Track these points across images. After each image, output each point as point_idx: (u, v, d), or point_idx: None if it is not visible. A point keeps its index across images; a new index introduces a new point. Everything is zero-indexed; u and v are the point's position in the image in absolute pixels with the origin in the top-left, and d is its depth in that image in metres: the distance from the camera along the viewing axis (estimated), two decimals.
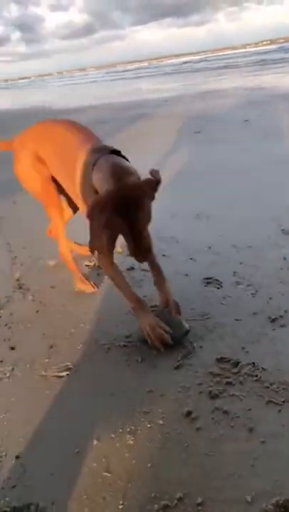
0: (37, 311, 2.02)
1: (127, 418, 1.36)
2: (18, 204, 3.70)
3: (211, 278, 2.11)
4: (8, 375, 1.62)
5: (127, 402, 1.43)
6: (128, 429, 1.32)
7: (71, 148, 1.80)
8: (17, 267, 2.49)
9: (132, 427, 1.33)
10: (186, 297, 1.97)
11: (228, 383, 1.45)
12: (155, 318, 1.69)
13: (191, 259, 2.34)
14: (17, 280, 2.32)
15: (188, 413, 1.35)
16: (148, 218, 1.50)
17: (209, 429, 1.29)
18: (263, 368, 1.50)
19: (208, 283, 2.08)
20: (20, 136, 2.18)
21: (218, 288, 2.03)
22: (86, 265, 2.38)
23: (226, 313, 1.83)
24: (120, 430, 1.32)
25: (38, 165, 2.02)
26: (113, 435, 1.31)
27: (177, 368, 1.55)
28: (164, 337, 1.64)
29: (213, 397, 1.41)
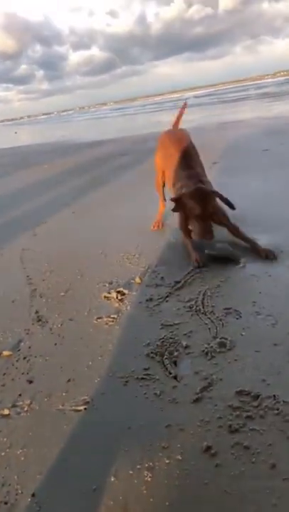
0: (55, 344, 2.02)
1: (145, 453, 1.34)
2: (39, 236, 3.78)
3: (230, 308, 2.08)
4: (26, 408, 1.61)
5: (145, 437, 1.40)
6: (146, 465, 1.29)
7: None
8: (36, 299, 2.51)
9: (150, 463, 1.30)
10: (205, 328, 1.95)
11: (249, 417, 1.41)
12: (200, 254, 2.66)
13: (210, 289, 2.32)
14: (36, 312, 2.34)
15: (208, 448, 1.32)
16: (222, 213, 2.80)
17: (229, 465, 1.25)
18: (284, 401, 1.45)
19: (227, 313, 2.05)
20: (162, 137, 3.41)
21: (237, 318, 2.00)
22: (105, 297, 2.39)
23: (245, 345, 1.80)
24: (138, 466, 1.29)
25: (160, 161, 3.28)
26: (131, 471, 1.28)
27: (196, 401, 1.52)
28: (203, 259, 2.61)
29: (233, 431, 1.37)
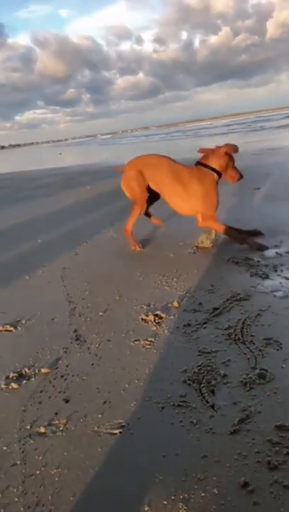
0: (92, 364, 2.03)
1: (180, 484, 1.31)
2: (80, 256, 3.85)
3: (270, 338, 2.04)
4: (61, 428, 1.62)
5: (180, 466, 1.38)
6: (181, 497, 1.26)
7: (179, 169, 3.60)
8: (75, 318, 2.55)
9: (185, 495, 1.27)
10: (244, 358, 1.91)
11: None
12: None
13: (249, 317, 2.28)
14: (74, 331, 2.37)
15: (245, 484, 1.28)
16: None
17: (268, 504, 1.21)
18: None
19: (267, 343, 2.01)
20: (128, 164, 3.81)
21: (277, 350, 1.95)
22: (142, 319, 2.40)
23: (286, 377, 1.75)
24: (172, 497, 1.27)
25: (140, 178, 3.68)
26: (165, 502, 1.25)
27: (234, 433, 1.48)
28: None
29: (272, 468, 1.33)
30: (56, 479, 1.39)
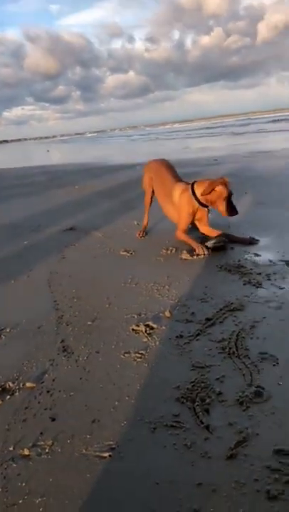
0: (80, 378, 1.93)
1: None
2: (68, 259, 3.74)
3: (265, 353, 1.96)
4: (47, 450, 1.52)
5: (174, 495, 1.29)
6: None
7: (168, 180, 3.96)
8: (63, 327, 2.44)
9: None
10: (239, 373, 1.83)
11: None
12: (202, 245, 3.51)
13: (244, 329, 2.21)
14: (62, 342, 2.27)
15: None
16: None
17: None
18: None
19: (262, 358, 1.93)
20: (145, 166, 4.33)
21: (273, 365, 1.88)
22: (133, 329, 2.30)
23: (283, 396, 1.67)
24: None
25: (150, 181, 4.17)
26: None
27: (230, 457, 1.40)
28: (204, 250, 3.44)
29: (272, 498, 1.25)
30: (41, 510, 1.29)
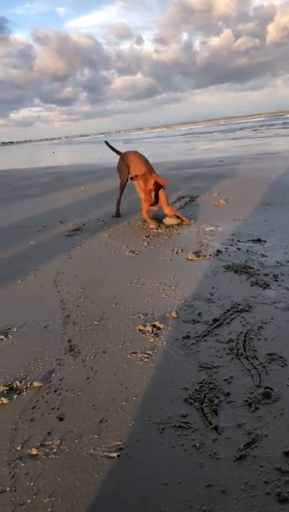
0: (87, 378, 1.92)
1: None
2: (74, 259, 3.73)
3: (274, 354, 1.95)
4: (55, 450, 1.51)
5: (183, 496, 1.28)
6: None
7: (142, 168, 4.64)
8: (69, 326, 2.44)
9: None
10: (247, 374, 1.82)
11: None
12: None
13: (251, 330, 2.19)
14: (69, 341, 2.26)
15: None
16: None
17: None
18: None
19: (271, 359, 1.92)
20: (123, 155, 5.28)
21: (282, 366, 1.86)
22: (140, 329, 2.29)
23: None
24: None
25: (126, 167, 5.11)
26: None
27: (240, 459, 1.39)
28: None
29: (283, 500, 1.24)
30: (49, 510, 1.28)
